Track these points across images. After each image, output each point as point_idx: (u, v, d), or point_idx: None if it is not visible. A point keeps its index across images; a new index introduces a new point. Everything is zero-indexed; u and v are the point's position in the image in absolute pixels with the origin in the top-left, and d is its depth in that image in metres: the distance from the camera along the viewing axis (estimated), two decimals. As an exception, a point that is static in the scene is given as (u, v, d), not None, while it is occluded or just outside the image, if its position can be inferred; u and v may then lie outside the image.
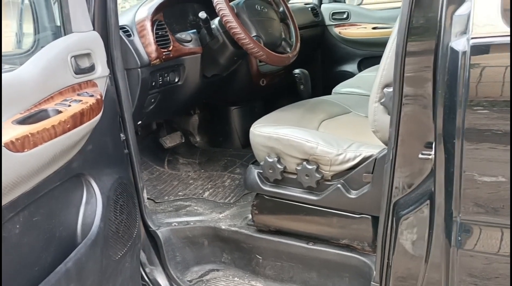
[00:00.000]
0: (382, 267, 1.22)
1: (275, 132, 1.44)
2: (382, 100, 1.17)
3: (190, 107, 2.18)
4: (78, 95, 1.17)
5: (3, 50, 1.76)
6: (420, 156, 1.04)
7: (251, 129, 1.52)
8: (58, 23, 1.27)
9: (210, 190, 1.96)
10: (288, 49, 1.75)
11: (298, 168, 1.41)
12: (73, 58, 1.17)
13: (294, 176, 1.44)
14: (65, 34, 1.23)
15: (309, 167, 1.38)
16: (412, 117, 1.05)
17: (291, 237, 1.53)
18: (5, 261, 0.90)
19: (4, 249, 0.90)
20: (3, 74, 1.02)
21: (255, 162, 1.60)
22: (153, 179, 2.02)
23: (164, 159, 2.17)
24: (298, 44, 1.80)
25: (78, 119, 1.06)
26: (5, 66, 1.32)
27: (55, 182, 1.07)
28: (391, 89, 1.10)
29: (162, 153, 2.18)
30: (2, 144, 0.81)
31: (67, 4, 1.21)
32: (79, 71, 1.19)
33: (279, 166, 1.45)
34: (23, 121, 0.93)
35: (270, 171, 1.47)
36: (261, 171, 1.50)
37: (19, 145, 0.86)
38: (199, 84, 1.83)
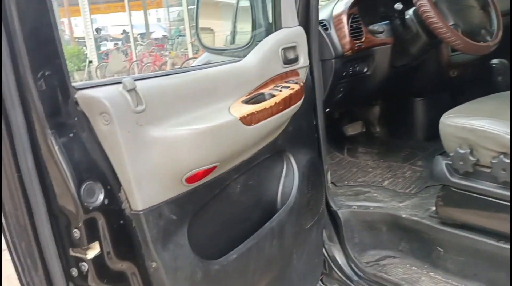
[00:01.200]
0: None
1: (470, 123, 1.41)
2: None
3: (374, 97, 2.24)
4: (286, 82, 1.35)
5: (217, 45, 2.06)
6: None
7: (442, 119, 1.51)
8: (270, 21, 1.47)
9: (390, 180, 1.99)
10: (488, 38, 1.66)
11: (494, 161, 1.35)
12: (283, 50, 1.35)
13: (488, 170, 1.39)
14: (275, 30, 1.43)
15: (507, 161, 1.32)
16: None
17: (479, 233, 1.47)
18: (228, 212, 1.13)
19: (228, 203, 1.13)
20: (232, 64, 1.25)
21: (443, 154, 1.58)
22: (333, 164, 2.15)
23: (343, 147, 2.28)
24: (500, 33, 1.69)
25: (287, 102, 1.24)
26: (225, 58, 1.59)
27: (264, 155, 1.27)
28: None
29: (342, 141, 2.29)
30: (238, 117, 1.02)
31: (280, 2, 1.40)
32: (286, 61, 1.37)
33: (471, 158, 1.41)
34: (248, 101, 1.14)
35: (461, 162, 1.44)
36: (450, 162, 1.48)
37: (248, 120, 1.06)
38: (386, 74, 1.87)
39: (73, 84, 0.79)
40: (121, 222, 0.84)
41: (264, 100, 1.18)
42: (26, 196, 0.76)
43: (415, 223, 1.65)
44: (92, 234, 0.80)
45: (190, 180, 0.94)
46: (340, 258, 1.74)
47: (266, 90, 1.25)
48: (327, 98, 1.77)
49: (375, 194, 1.89)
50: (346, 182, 2.02)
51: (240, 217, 1.18)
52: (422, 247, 1.67)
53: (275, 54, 1.33)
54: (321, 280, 1.78)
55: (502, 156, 1.33)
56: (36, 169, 0.75)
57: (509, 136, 1.31)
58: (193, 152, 0.92)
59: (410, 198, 1.82)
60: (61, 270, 0.80)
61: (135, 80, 0.86)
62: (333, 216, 1.76)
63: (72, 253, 0.81)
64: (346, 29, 1.68)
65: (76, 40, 14.88)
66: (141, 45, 12.41)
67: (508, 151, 1.32)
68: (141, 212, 0.85)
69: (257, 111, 1.09)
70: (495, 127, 1.34)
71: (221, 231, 1.10)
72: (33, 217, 0.77)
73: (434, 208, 1.61)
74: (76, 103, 0.79)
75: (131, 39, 12.45)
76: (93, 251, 0.81)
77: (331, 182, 2.00)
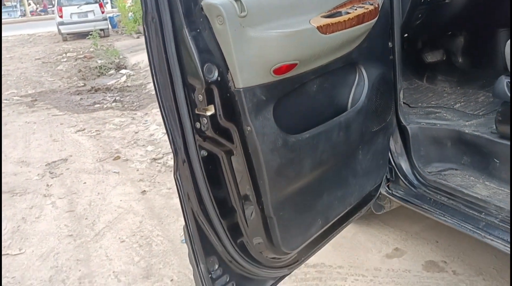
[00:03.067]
0: None
1: (531, 43, 1.54)
2: None
3: (455, 25, 2.34)
4: (362, 4, 1.59)
5: None
6: None
7: (508, 42, 1.65)
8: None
9: (462, 103, 2.16)
10: None
11: (549, 78, 1.50)
12: None
13: (544, 86, 1.53)
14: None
15: (561, 77, 1.46)
16: None
17: (532, 145, 1.64)
18: (305, 104, 1.46)
19: (306, 97, 1.46)
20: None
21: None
22: (411, 89, 2.35)
23: (424, 74, 2.45)
24: None
25: (360, 19, 1.50)
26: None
27: (339, 64, 1.56)
28: None
29: (423, 69, 2.45)
30: (316, 26, 1.32)
31: None
32: None
33: (529, 75, 1.56)
34: (327, 16, 1.43)
35: (519, 79, 1.59)
36: (510, 80, 1.63)
37: (324, 29, 1.35)
38: (466, 2, 1.99)
39: (199, -5, 1.16)
40: (228, 95, 1.22)
41: (341, 15, 1.46)
42: (169, 70, 1.17)
43: (476, 138, 1.85)
44: (210, 99, 1.20)
45: (276, 71, 1.28)
46: (406, 167, 2.01)
47: (344, 9, 1.51)
48: (406, 22, 1.96)
49: (445, 114, 2.09)
50: (420, 104, 2.22)
51: (315, 109, 1.51)
52: (482, 160, 1.87)
53: None
54: (388, 186, 2.08)
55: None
56: (176, 52, 1.15)
57: None
58: (279, 49, 1.26)
59: (477, 118, 1.99)
60: (190, 123, 1.22)
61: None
62: (402, 131, 2.00)
63: (196, 111, 1.22)
64: (426, -42, 1.83)
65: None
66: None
67: None
68: (241, 89, 1.22)
69: (332, 24, 1.38)
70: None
71: (299, 116, 1.45)
72: (173, 86, 1.18)
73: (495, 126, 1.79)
74: (201, 8, 1.16)
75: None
76: (210, 111, 1.21)
77: (405, 103, 2.23)
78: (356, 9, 1.51)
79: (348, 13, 1.48)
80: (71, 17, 13.59)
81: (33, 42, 14.89)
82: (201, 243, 1.32)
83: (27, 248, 2.76)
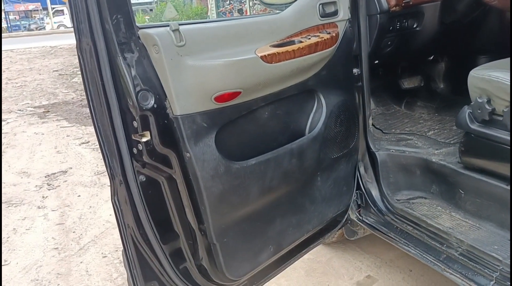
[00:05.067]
0: None
1: (488, 75, 1.52)
2: None
3: (429, 52, 2.32)
4: (320, 32, 1.61)
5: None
6: None
7: (470, 72, 1.63)
8: (316, -21, 1.71)
9: (436, 130, 2.13)
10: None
11: (505, 110, 1.47)
12: (321, 5, 1.60)
13: (501, 118, 1.51)
14: (321, -12, 1.67)
15: (516, 109, 1.43)
16: None
17: (493, 177, 1.61)
18: (253, 131, 1.46)
19: (254, 124, 1.47)
20: (269, 15, 1.55)
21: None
22: (387, 114, 2.33)
23: (403, 99, 2.43)
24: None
25: (313, 48, 1.51)
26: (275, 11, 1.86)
27: (294, 91, 1.56)
28: None
29: (402, 95, 2.43)
30: (259, 56, 1.34)
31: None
32: (324, 15, 1.62)
33: (487, 107, 1.54)
34: (276, 46, 1.44)
35: (479, 111, 1.57)
36: (471, 111, 1.61)
37: (269, 59, 1.37)
38: (437, 30, 1.98)
39: (137, 24, 1.19)
40: (166, 121, 1.24)
41: (293, 45, 1.47)
42: (106, 97, 1.20)
43: (443, 167, 1.82)
44: (145, 126, 1.22)
45: (218, 99, 1.30)
46: (375, 194, 1.99)
47: (297, 38, 1.53)
48: (375, 50, 1.96)
49: (416, 142, 2.07)
50: (393, 130, 2.21)
51: (265, 136, 1.51)
52: (449, 190, 1.84)
53: (312, 8, 1.58)
54: (359, 212, 2.06)
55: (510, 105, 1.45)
56: (112, 79, 1.18)
57: (519, 87, 1.41)
58: (219, 78, 1.28)
59: (447, 147, 1.96)
60: (127, 148, 1.24)
61: (182, 24, 1.24)
62: (372, 157, 1.99)
63: (133, 137, 1.24)
64: (392, -13, 1.83)
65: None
66: (256, 4, 12.93)
67: (518, 101, 1.43)
68: (179, 117, 1.24)
69: (279, 53, 1.40)
70: (508, 78, 1.45)
71: (246, 144, 1.45)
72: (110, 111, 1.21)
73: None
74: (138, 37, 1.19)
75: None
76: (146, 137, 1.23)
77: (378, 129, 2.22)
78: (310, 38, 1.52)
79: (301, 42, 1.49)
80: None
81: (54, 54, 15.34)
82: (140, 268, 1.33)
83: (12, 260, 2.82)
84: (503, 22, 2.08)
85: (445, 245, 1.68)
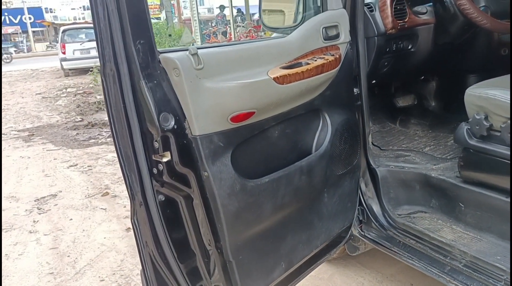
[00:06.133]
0: None
1: (485, 92, 1.61)
2: None
3: (422, 72, 2.43)
4: (324, 54, 1.68)
5: (287, 23, 2.39)
6: None
7: (467, 90, 1.72)
8: (319, 4, 1.80)
9: (432, 146, 2.21)
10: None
11: (503, 126, 1.56)
12: (324, 28, 1.68)
13: (498, 133, 1.59)
14: (322, 11, 1.76)
15: (513, 125, 1.51)
16: None
17: (492, 190, 1.68)
18: (266, 149, 1.51)
19: (266, 143, 1.51)
20: (278, 39, 1.62)
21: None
22: (383, 132, 2.41)
23: (397, 118, 2.52)
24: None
25: (320, 69, 1.57)
26: (279, 34, 1.93)
27: (301, 111, 1.62)
28: None
29: (396, 113, 2.52)
30: (272, 77, 1.39)
31: (326, -11, 1.72)
32: (327, 38, 1.69)
33: (485, 123, 1.62)
34: (285, 67, 1.50)
35: (477, 127, 1.65)
36: (469, 127, 1.69)
37: (281, 80, 1.42)
38: (431, 51, 2.08)
39: (158, 49, 1.24)
40: (185, 142, 1.28)
41: (301, 66, 1.54)
42: (128, 119, 1.23)
43: (442, 182, 1.89)
44: (166, 146, 1.25)
45: (234, 119, 1.35)
46: (377, 209, 2.04)
47: (304, 60, 1.59)
48: (373, 70, 2.04)
49: (414, 158, 2.14)
50: (391, 147, 2.28)
51: (276, 154, 1.56)
52: (448, 203, 1.90)
53: (316, 32, 1.66)
54: (360, 228, 2.10)
55: (509, 121, 1.53)
56: (134, 102, 1.22)
57: (515, 104, 1.50)
58: (235, 99, 1.32)
59: (444, 162, 2.04)
60: (147, 169, 1.27)
61: (200, 48, 1.29)
62: (372, 173, 2.05)
63: (153, 158, 1.27)
64: (389, 11, 1.93)
65: (183, 22, 16.18)
66: (240, 26, 13.19)
67: (515, 117, 1.51)
68: (198, 137, 1.28)
69: (289, 74, 1.46)
70: (504, 96, 1.54)
71: (259, 162, 1.50)
72: (131, 133, 1.24)
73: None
74: (159, 61, 1.24)
75: (231, 21, 13.27)
76: (166, 157, 1.26)
77: (376, 146, 2.29)
78: (316, 60, 1.59)
79: (308, 63, 1.56)
80: (73, 53, 13.93)
81: (36, 77, 15.20)
82: None
83: (7, 286, 2.76)
84: (491, 43, 2.20)
85: (448, 257, 1.73)
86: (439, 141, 2.26)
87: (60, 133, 6.98)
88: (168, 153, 1.26)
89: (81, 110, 8.63)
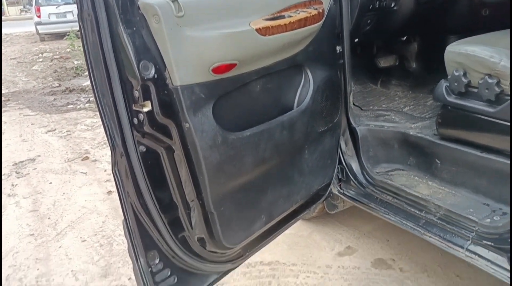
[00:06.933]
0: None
1: (464, 49, 1.63)
2: None
3: (404, 32, 2.43)
4: (307, 8, 1.65)
5: None
6: None
7: (447, 47, 1.73)
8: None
9: (411, 106, 2.24)
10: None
11: (480, 81, 1.58)
12: None
13: (476, 90, 1.62)
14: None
15: (490, 81, 1.54)
16: None
17: (467, 146, 1.73)
18: (247, 103, 1.50)
19: (248, 97, 1.50)
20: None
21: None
22: (364, 92, 2.43)
23: (378, 78, 2.53)
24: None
25: (302, 22, 1.55)
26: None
27: (284, 66, 1.61)
28: None
29: (378, 74, 2.54)
30: (255, 28, 1.37)
31: None
32: None
33: (463, 79, 1.64)
34: (268, 19, 1.48)
35: (455, 83, 1.67)
36: (448, 84, 1.72)
37: (263, 31, 1.40)
38: (413, 9, 2.08)
39: (137, -5, 1.20)
40: (166, 92, 1.26)
41: (283, 19, 1.52)
42: (106, 67, 1.21)
43: (420, 139, 1.93)
44: (146, 96, 1.24)
45: (215, 70, 1.33)
46: (356, 167, 2.07)
47: (287, 12, 1.57)
48: (356, 28, 2.03)
49: (393, 117, 2.17)
50: (371, 107, 2.30)
51: (258, 109, 1.56)
52: (425, 161, 1.95)
53: None
54: (340, 186, 2.14)
55: (487, 77, 1.56)
56: (112, 48, 1.19)
57: (493, 59, 1.52)
58: (216, 49, 1.30)
59: (423, 121, 2.07)
60: (127, 118, 1.26)
61: (179, -4, 1.25)
62: (352, 132, 2.07)
63: (134, 107, 1.25)
64: (372, -33, 1.91)
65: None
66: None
67: (492, 73, 1.54)
68: (179, 87, 1.26)
69: (272, 26, 1.44)
70: (483, 52, 1.56)
71: (241, 115, 1.49)
72: (110, 81, 1.22)
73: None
74: (138, 7, 1.20)
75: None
76: (147, 107, 1.25)
77: (357, 106, 2.31)
78: (299, 13, 1.57)
79: (291, 16, 1.54)
80: (49, 17, 13.43)
81: (10, 41, 14.65)
82: (140, 237, 1.35)
83: (-14, 247, 2.74)
84: (472, 3, 2.21)
85: (423, 212, 1.78)
86: (419, 101, 2.30)
87: (37, 99, 6.81)
88: (148, 103, 1.24)
89: (58, 76, 8.41)
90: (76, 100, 6.53)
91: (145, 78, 1.21)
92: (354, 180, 2.06)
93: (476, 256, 1.57)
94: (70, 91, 7.11)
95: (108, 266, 2.49)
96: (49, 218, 3.10)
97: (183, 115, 1.29)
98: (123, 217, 1.35)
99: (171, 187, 1.39)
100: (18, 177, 3.83)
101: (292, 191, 1.75)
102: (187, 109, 1.29)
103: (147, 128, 1.27)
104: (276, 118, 1.58)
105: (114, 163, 1.30)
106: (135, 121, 1.27)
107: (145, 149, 1.31)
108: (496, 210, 1.64)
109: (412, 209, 1.81)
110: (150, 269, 1.39)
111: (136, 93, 1.22)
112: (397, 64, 2.49)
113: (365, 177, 2.04)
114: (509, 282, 1.47)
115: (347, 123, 2.05)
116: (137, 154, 1.29)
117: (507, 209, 1.61)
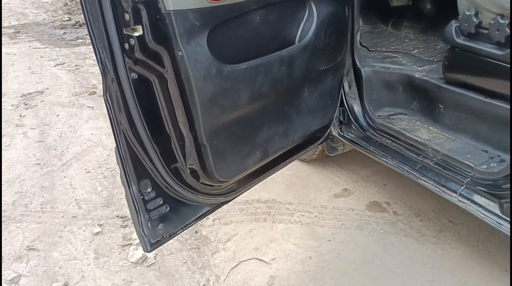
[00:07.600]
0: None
1: (479, -14, 1.53)
2: None
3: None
4: None
5: None
6: None
7: (460, -16, 1.63)
8: None
9: (420, 49, 2.16)
10: None
11: (491, 22, 1.50)
12: None
13: (486, 31, 1.54)
14: None
15: (502, 21, 1.46)
16: None
17: (472, 90, 1.67)
18: (245, 34, 1.45)
19: (246, 28, 1.45)
20: None
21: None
22: (374, 33, 2.33)
23: (390, 19, 2.42)
24: None
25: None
26: None
27: None
28: None
29: (389, 14, 2.42)
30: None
31: None
32: None
33: (474, 19, 1.56)
34: None
35: (466, 24, 1.59)
36: (458, 24, 1.63)
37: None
38: None
39: None
40: (158, 16, 1.22)
41: None
42: (101, 6, 1.16)
43: (424, 82, 1.87)
44: (138, 20, 1.19)
45: (211, -3, 1.28)
46: (358, 110, 2.04)
47: None
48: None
49: (401, 59, 2.10)
50: (379, 48, 2.22)
51: (256, 41, 1.50)
52: (429, 105, 1.91)
53: None
54: (340, 128, 2.12)
55: (499, 17, 1.47)
56: None
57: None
58: (211, -27, 1.24)
59: (430, 64, 2.00)
60: (118, 43, 1.22)
61: None
62: (357, 73, 2.01)
63: (125, 31, 1.22)
64: None
65: None
66: None
67: (505, 13, 1.45)
68: (172, 12, 1.21)
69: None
70: (498, -11, 1.46)
71: (237, 47, 1.45)
72: (101, 3, 1.17)
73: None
74: None
75: None
76: (138, 32, 1.21)
77: (364, 46, 2.23)
78: None
79: None
80: None
81: (21, -28, 14.30)
82: (133, 165, 1.36)
83: (-6, 174, 2.83)
84: None
85: (421, 156, 1.77)
86: (429, 44, 2.21)
87: (47, 32, 6.72)
88: (139, 28, 1.21)
89: (68, 9, 8.25)
90: (86, 34, 6.43)
91: (136, 0, 1.16)
92: (355, 123, 2.03)
93: (468, 201, 1.57)
94: (80, 25, 6.98)
95: (110, 196, 2.56)
96: (55, 149, 3.15)
97: (176, 42, 1.25)
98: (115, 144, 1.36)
99: (164, 117, 1.38)
100: (26, 109, 3.86)
101: (289, 129, 1.73)
102: (180, 36, 1.25)
103: (138, 55, 1.24)
104: (275, 53, 1.53)
105: (106, 89, 1.28)
106: (126, 46, 1.24)
107: (137, 77, 1.29)
108: (494, 156, 1.62)
109: (410, 153, 1.80)
110: (142, 197, 1.41)
111: (127, 16, 1.18)
112: (410, 4, 2.36)
113: (366, 120, 2.01)
114: (497, 227, 1.47)
115: (352, 63, 1.99)
116: (128, 81, 1.27)
117: (505, 156, 1.58)
